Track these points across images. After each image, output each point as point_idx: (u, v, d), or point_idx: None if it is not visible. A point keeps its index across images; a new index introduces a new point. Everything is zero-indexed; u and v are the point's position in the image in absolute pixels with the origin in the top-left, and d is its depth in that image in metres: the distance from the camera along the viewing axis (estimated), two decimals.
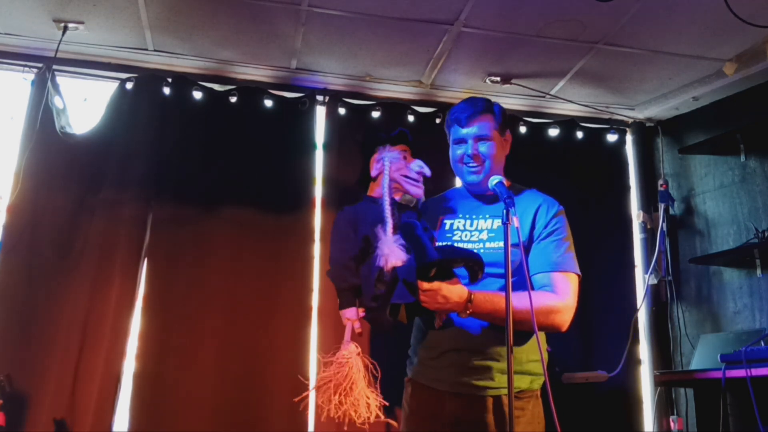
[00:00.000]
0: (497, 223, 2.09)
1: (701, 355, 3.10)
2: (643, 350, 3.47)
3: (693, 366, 3.12)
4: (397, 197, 2.01)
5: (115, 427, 2.77)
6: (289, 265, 3.07)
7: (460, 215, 2.18)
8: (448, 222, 2.18)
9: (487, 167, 2.14)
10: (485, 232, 2.10)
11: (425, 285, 1.84)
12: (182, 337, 2.89)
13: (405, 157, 2.01)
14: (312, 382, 2.93)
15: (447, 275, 1.89)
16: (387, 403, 1.89)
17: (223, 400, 2.86)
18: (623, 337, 3.28)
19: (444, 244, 2.10)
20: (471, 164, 2.15)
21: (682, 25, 2.77)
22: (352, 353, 1.88)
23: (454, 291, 1.88)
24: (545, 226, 2.10)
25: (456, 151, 2.19)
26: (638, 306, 3.45)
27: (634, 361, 3.38)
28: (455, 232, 2.14)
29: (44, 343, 2.76)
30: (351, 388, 1.82)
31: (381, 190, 1.95)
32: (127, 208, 2.95)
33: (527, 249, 2.08)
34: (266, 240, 3.08)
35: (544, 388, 2.10)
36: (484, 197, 2.20)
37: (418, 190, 1.97)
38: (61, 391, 2.72)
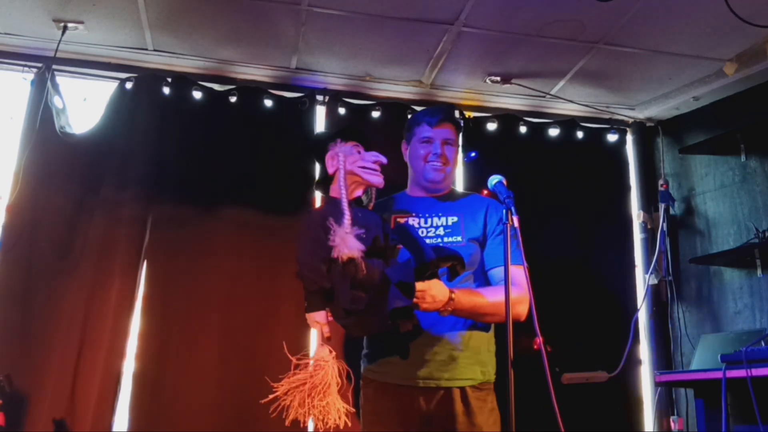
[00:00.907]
0: (452, 219, 2.20)
1: (701, 356, 3.09)
2: (644, 350, 3.47)
3: (693, 366, 3.11)
4: (359, 191, 1.99)
5: (114, 427, 2.77)
6: (288, 265, 3.03)
7: (414, 214, 2.25)
8: (401, 220, 2.24)
9: (448, 170, 2.26)
10: (441, 228, 2.19)
11: (419, 285, 1.85)
12: (182, 337, 2.89)
13: (359, 152, 2.00)
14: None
15: (435, 275, 1.91)
16: (354, 410, 1.88)
17: (223, 400, 2.86)
18: (623, 337, 3.28)
19: (430, 243, 2.11)
20: (436, 163, 2.23)
21: (682, 25, 2.77)
22: (329, 357, 1.86)
23: (440, 290, 1.92)
24: (497, 224, 2.19)
25: (419, 150, 2.27)
26: (638, 306, 3.45)
27: (634, 361, 3.37)
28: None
29: (44, 343, 2.76)
30: (325, 392, 1.80)
31: (339, 183, 1.93)
32: (126, 208, 2.95)
33: (482, 245, 2.17)
34: (266, 240, 3.08)
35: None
36: (437, 196, 2.28)
37: (377, 179, 1.94)
38: (60, 391, 2.72)
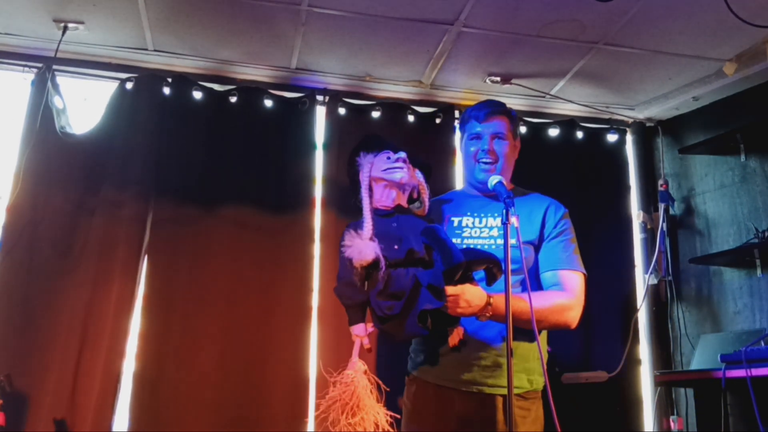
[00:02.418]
0: None
1: (701, 355, 3.10)
2: (643, 350, 3.47)
3: (693, 366, 3.12)
4: (393, 193, 1.97)
5: (115, 427, 2.77)
6: (288, 264, 3.07)
7: (468, 213, 2.20)
8: (456, 219, 2.19)
9: (500, 166, 2.18)
10: (495, 229, 2.12)
11: (449, 289, 1.83)
12: (182, 337, 2.89)
13: (388, 158, 1.99)
14: (312, 380, 2.94)
15: (468, 278, 1.89)
16: (399, 416, 1.90)
17: (223, 400, 2.86)
18: (623, 337, 3.28)
19: (464, 247, 2.10)
20: (485, 160, 2.17)
21: (682, 25, 2.77)
22: (357, 372, 1.88)
23: (476, 294, 1.88)
24: (554, 226, 2.14)
25: (470, 148, 2.21)
26: (638, 306, 3.45)
27: (634, 361, 3.38)
28: (464, 230, 2.16)
29: (44, 343, 2.76)
30: (358, 407, 1.83)
31: (362, 193, 1.95)
32: (126, 207, 2.94)
33: (537, 248, 2.11)
34: (266, 240, 3.08)
35: (544, 389, 2.11)
36: (492, 195, 2.19)
37: (399, 173, 1.95)
38: (61, 391, 2.72)
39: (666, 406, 3.39)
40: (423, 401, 2.10)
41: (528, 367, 2.05)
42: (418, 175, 2.06)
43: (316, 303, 3.06)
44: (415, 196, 2.05)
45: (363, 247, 1.82)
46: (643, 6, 2.64)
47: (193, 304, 2.93)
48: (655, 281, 3.48)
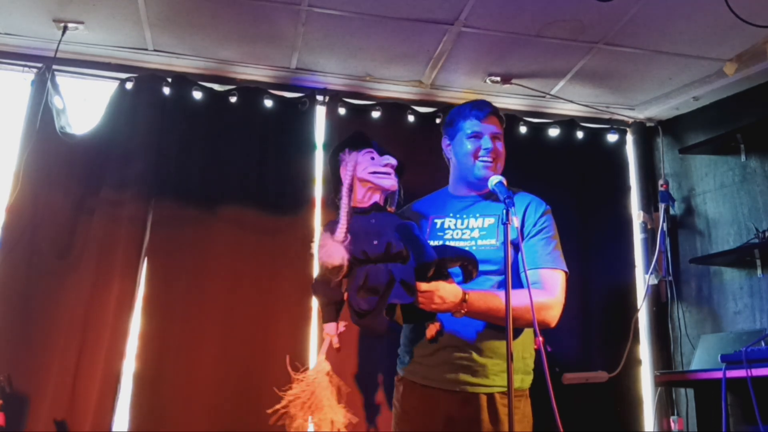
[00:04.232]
0: (488, 221, 2.14)
1: (702, 356, 3.10)
2: (644, 350, 3.46)
3: (693, 366, 3.11)
4: (377, 196, 1.99)
5: (114, 427, 2.77)
6: (289, 265, 3.07)
7: (451, 214, 2.22)
8: (438, 221, 2.22)
9: (499, 165, 2.20)
10: (477, 230, 2.14)
11: (423, 286, 1.85)
12: (182, 337, 2.89)
13: (372, 158, 2.00)
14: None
15: (443, 275, 1.90)
16: (356, 420, 1.90)
17: (223, 400, 2.85)
18: (623, 337, 3.28)
19: (439, 243, 2.12)
20: (487, 159, 2.18)
21: (682, 25, 2.77)
22: (320, 372, 1.89)
23: (450, 291, 1.89)
24: (534, 225, 2.15)
25: (468, 145, 2.21)
26: (638, 306, 3.45)
27: (634, 362, 3.37)
28: (447, 231, 2.18)
29: (44, 343, 2.76)
30: (316, 406, 1.85)
31: (342, 192, 1.94)
32: (126, 208, 2.94)
33: (517, 247, 2.10)
34: (266, 240, 3.07)
35: (532, 387, 2.12)
36: (481, 194, 2.23)
37: (391, 181, 1.97)
38: (61, 392, 2.72)
39: (666, 407, 3.39)
40: (410, 401, 2.12)
41: (519, 367, 2.06)
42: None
43: (316, 303, 3.06)
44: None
45: (333, 251, 1.83)
46: (643, 6, 2.64)
47: (193, 304, 2.93)
48: (656, 281, 3.48)
